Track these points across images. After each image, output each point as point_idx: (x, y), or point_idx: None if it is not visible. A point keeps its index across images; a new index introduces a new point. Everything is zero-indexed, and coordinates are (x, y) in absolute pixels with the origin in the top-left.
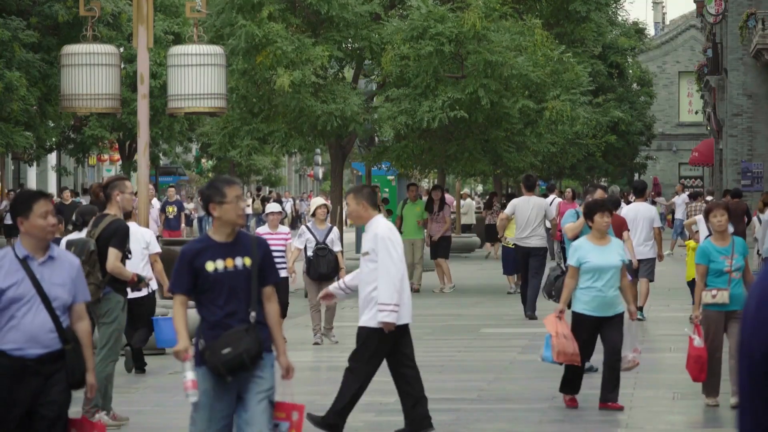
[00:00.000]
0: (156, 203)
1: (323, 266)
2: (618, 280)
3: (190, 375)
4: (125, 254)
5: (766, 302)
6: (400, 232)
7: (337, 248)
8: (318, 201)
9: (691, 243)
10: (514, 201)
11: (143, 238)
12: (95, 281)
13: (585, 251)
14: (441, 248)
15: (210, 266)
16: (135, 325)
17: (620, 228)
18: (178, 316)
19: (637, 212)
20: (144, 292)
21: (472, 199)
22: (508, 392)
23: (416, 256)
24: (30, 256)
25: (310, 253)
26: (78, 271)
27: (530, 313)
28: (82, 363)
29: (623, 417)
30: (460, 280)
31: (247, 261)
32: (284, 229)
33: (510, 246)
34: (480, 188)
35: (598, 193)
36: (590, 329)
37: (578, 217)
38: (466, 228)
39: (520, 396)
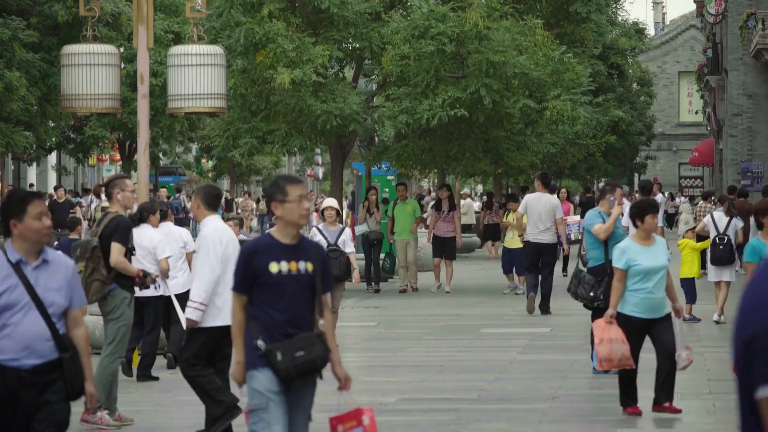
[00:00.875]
0: None
1: (335, 268)
2: (665, 281)
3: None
4: (129, 250)
5: (750, 303)
6: (392, 233)
7: (348, 249)
8: (328, 202)
9: (689, 242)
10: (526, 198)
11: (180, 238)
12: (100, 277)
13: (634, 253)
14: (448, 249)
15: (274, 267)
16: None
17: None
18: (237, 323)
19: None
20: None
21: (473, 199)
22: (508, 392)
23: (409, 255)
24: (23, 260)
25: None
26: (74, 274)
27: (545, 309)
28: (80, 372)
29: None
30: (460, 280)
31: (309, 266)
32: None
33: (513, 247)
34: (480, 188)
35: (618, 193)
36: (639, 332)
37: (602, 219)
38: (466, 228)
39: (520, 396)
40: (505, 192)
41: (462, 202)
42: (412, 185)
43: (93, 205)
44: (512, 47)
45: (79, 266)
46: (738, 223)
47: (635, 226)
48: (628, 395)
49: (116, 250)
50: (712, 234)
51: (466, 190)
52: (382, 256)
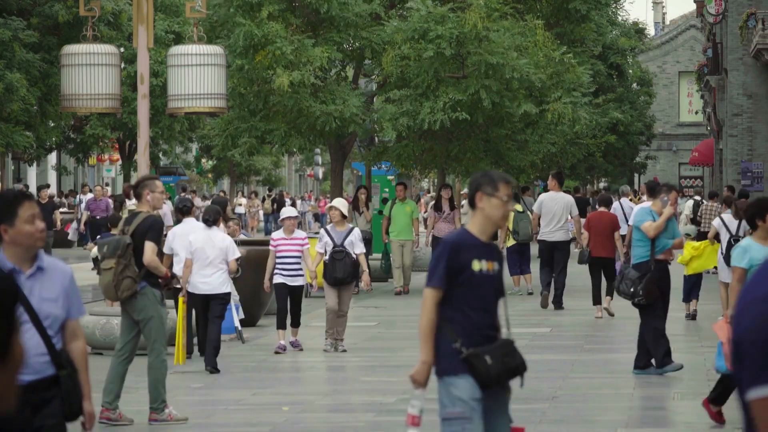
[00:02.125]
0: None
1: (339, 270)
2: None
3: (416, 409)
4: (160, 250)
5: (741, 304)
6: (387, 233)
7: (358, 250)
8: (333, 203)
9: (693, 243)
10: (540, 197)
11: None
12: (132, 275)
13: (756, 252)
14: None
15: (476, 265)
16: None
17: (613, 226)
18: (428, 321)
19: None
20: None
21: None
22: None
23: (406, 257)
24: (16, 269)
25: (327, 256)
26: (71, 282)
27: (558, 304)
28: (78, 391)
29: (623, 417)
30: None
31: (496, 266)
32: (300, 233)
33: (514, 243)
34: None
35: (673, 195)
36: None
37: (653, 217)
38: None
39: (520, 396)
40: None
41: (463, 202)
42: (412, 185)
43: (82, 205)
44: (512, 48)
45: (109, 263)
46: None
47: (754, 225)
48: (724, 395)
49: (150, 248)
50: (725, 236)
51: (466, 190)
52: (378, 255)
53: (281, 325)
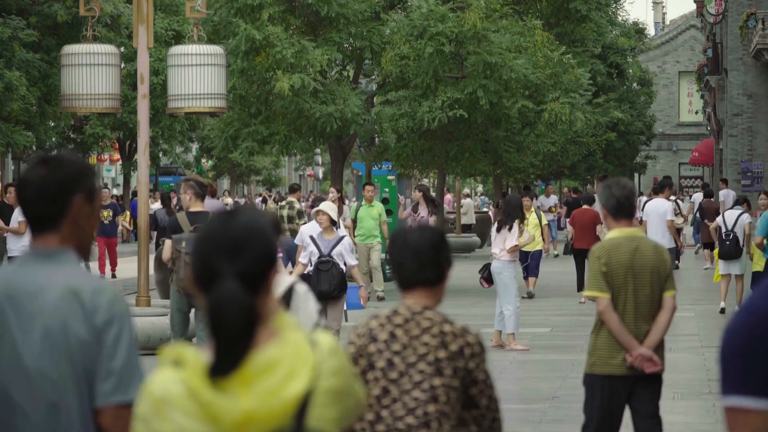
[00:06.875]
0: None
1: (324, 283)
2: None
3: None
4: None
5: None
6: (355, 236)
7: (351, 262)
8: (322, 206)
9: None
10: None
11: None
12: None
13: None
14: None
15: None
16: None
17: (594, 221)
18: None
19: (656, 208)
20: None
21: (472, 199)
22: (508, 392)
23: (373, 259)
24: None
25: (311, 267)
26: None
27: None
28: None
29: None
30: (460, 280)
31: None
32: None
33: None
34: (480, 188)
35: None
36: None
37: None
38: (467, 228)
39: (520, 396)
40: (504, 192)
41: (462, 201)
42: (412, 185)
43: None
44: (511, 48)
45: None
46: (745, 218)
47: None
48: None
49: None
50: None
51: (466, 190)
52: (382, 256)
53: None
